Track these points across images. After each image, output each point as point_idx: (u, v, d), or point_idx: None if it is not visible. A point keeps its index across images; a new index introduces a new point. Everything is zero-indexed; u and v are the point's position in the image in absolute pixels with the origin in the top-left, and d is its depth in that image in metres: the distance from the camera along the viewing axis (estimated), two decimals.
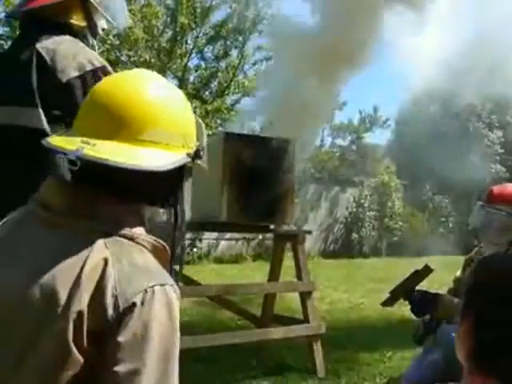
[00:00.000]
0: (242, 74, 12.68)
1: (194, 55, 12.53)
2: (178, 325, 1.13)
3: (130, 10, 10.22)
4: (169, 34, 12.04)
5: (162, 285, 1.12)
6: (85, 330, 1.06)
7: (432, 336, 2.70)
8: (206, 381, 4.07)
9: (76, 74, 2.10)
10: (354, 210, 15.92)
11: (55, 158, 1.16)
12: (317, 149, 16.58)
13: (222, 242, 13.50)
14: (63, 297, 1.07)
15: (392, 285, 2.71)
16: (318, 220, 15.45)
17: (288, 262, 4.81)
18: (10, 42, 10.20)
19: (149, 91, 1.21)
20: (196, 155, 1.24)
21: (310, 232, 5.37)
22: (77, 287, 1.07)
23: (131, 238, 1.16)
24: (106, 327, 1.06)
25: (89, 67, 2.13)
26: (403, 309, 3.48)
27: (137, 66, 10.80)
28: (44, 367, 1.07)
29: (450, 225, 16.94)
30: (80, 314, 1.06)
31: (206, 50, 12.62)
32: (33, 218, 1.19)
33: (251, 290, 5.40)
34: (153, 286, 1.10)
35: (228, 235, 12.90)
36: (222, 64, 12.59)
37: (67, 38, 2.19)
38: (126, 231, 1.16)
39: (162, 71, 10.85)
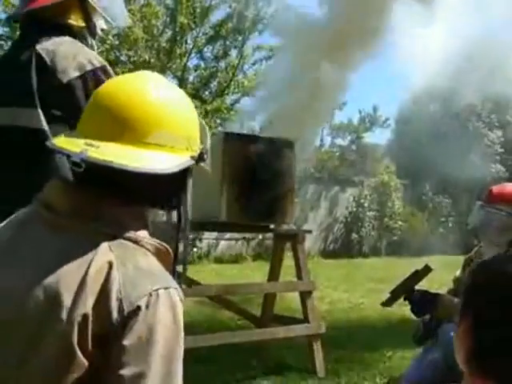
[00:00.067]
0: (241, 74, 12.67)
1: (193, 55, 12.52)
2: (182, 328, 1.13)
3: (129, 10, 10.23)
4: (168, 33, 12.03)
5: (167, 288, 1.12)
6: (89, 333, 1.06)
7: (432, 336, 2.70)
8: (205, 380, 4.06)
9: (76, 74, 2.11)
10: (354, 209, 15.92)
11: (59, 159, 1.16)
12: (316, 149, 16.59)
13: (222, 242, 13.50)
14: (67, 299, 1.06)
15: (392, 285, 2.71)
16: (317, 220, 15.45)
17: (288, 261, 4.80)
18: (10, 42, 10.20)
19: (153, 93, 1.21)
20: (200, 158, 1.24)
21: (309, 232, 5.38)
22: (81, 290, 1.07)
23: (135, 241, 1.16)
24: (111, 330, 1.06)
25: (89, 67, 2.13)
26: (403, 309, 3.48)
27: (136, 66, 10.81)
28: (47, 369, 1.07)
29: (450, 224, 16.93)
30: (85, 317, 1.05)
31: (205, 49, 12.61)
32: (36, 218, 1.19)
33: (251, 289, 5.40)
34: (157, 290, 1.10)
35: (228, 235, 12.89)
36: (222, 64, 12.58)
37: (67, 38, 2.19)
38: (131, 234, 1.16)
39: (162, 71, 10.85)
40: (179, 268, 1.29)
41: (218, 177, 4.09)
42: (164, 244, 1.21)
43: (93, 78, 2.11)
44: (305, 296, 4.49)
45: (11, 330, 1.10)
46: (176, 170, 1.18)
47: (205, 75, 12.59)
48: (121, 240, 1.14)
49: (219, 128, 11.71)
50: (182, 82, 11.69)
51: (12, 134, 2.13)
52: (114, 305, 1.07)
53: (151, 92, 1.20)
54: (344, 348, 5.18)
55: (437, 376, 2.50)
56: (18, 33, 2.53)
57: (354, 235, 15.75)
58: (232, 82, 12.37)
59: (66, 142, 1.16)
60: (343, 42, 4.49)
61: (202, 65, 12.74)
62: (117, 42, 11.30)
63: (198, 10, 11.92)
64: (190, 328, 5.08)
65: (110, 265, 1.09)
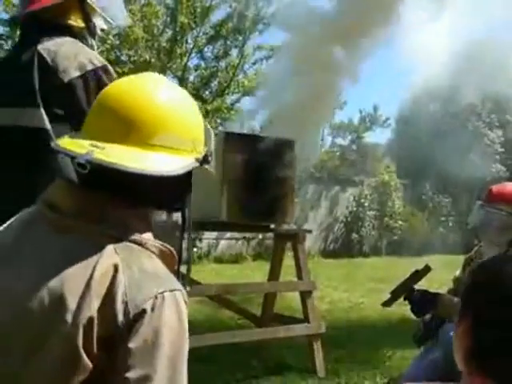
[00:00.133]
0: (241, 74, 12.68)
1: (193, 55, 12.52)
2: (187, 330, 1.14)
3: (129, 10, 10.23)
4: (169, 33, 12.03)
5: (172, 291, 1.12)
6: (94, 335, 1.06)
7: (433, 336, 2.70)
8: (205, 380, 4.06)
9: (77, 73, 2.12)
10: (354, 209, 15.92)
11: (61, 160, 1.16)
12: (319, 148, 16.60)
13: (222, 242, 13.50)
14: (72, 302, 1.06)
15: (392, 284, 2.71)
16: (318, 219, 15.45)
17: (288, 261, 4.80)
18: (10, 42, 10.21)
19: (159, 95, 1.20)
20: (204, 160, 1.24)
21: (310, 231, 5.37)
22: (87, 293, 1.07)
23: (140, 244, 1.16)
24: (117, 333, 1.06)
25: (90, 67, 2.14)
26: (403, 308, 3.48)
27: (137, 66, 10.81)
28: (52, 371, 1.07)
29: (450, 224, 16.93)
30: (90, 319, 1.06)
31: (205, 49, 12.62)
32: (40, 218, 1.19)
33: (251, 289, 5.40)
34: (163, 292, 1.10)
35: (228, 235, 12.90)
36: (222, 63, 12.58)
37: (68, 39, 2.20)
38: (136, 236, 1.16)
39: (162, 71, 10.84)
40: (183, 269, 1.29)
41: (218, 177, 4.09)
42: (168, 246, 1.21)
43: (94, 78, 2.13)
44: (305, 296, 4.50)
45: (16, 330, 1.10)
46: (181, 172, 1.18)
47: (205, 75, 12.59)
48: (126, 242, 1.14)
49: (219, 128, 11.71)
50: (182, 82, 11.68)
51: (12, 133, 2.13)
52: (120, 308, 1.07)
53: (157, 94, 1.20)
54: (344, 348, 5.18)
55: (437, 375, 2.50)
56: (18, 33, 2.54)
57: (355, 235, 15.74)
58: (232, 82, 12.37)
59: (70, 143, 1.16)
60: (353, 33, 4.47)
61: (203, 64, 12.76)
62: (117, 42, 11.31)
63: (199, 10, 11.92)
64: (190, 327, 5.02)
65: (116, 268, 1.10)
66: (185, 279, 1.26)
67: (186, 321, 1.14)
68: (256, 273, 9.42)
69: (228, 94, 12.53)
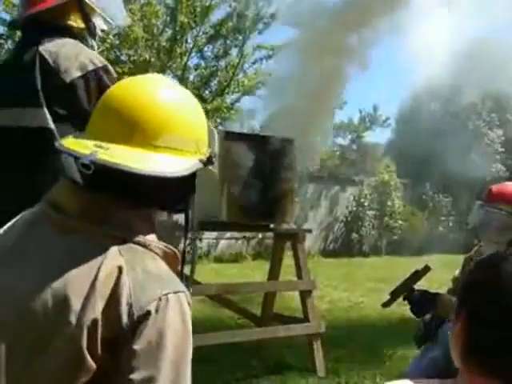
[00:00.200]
0: (241, 73, 12.67)
1: (193, 54, 12.50)
2: (190, 332, 1.15)
3: (129, 9, 10.23)
4: (168, 33, 12.02)
5: (176, 292, 1.12)
6: (99, 337, 1.06)
7: (433, 336, 2.71)
8: (206, 380, 4.06)
9: (79, 74, 2.13)
10: (354, 208, 15.92)
11: (64, 160, 1.16)
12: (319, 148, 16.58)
13: (222, 241, 13.50)
14: (76, 303, 1.07)
15: (392, 284, 2.72)
16: (318, 219, 15.45)
17: (288, 260, 4.81)
18: (10, 42, 10.22)
19: (163, 96, 1.21)
20: (208, 161, 1.24)
21: (309, 231, 5.37)
22: (91, 294, 1.07)
23: (144, 245, 1.16)
24: (121, 335, 1.06)
25: (91, 67, 2.15)
26: (403, 308, 3.47)
27: (136, 66, 10.81)
28: (56, 371, 1.07)
29: (450, 224, 16.94)
30: (94, 321, 1.06)
31: (205, 49, 12.60)
32: (44, 218, 1.19)
33: (251, 288, 5.40)
34: (167, 294, 1.10)
35: (228, 234, 12.90)
36: (222, 63, 12.57)
37: (69, 40, 2.22)
38: (140, 238, 1.16)
39: (162, 70, 10.84)
40: (186, 270, 1.29)
41: (218, 176, 4.09)
42: (171, 247, 1.21)
43: (94, 78, 2.14)
44: (305, 295, 4.50)
45: (19, 331, 1.10)
46: (185, 173, 1.18)
47: (205, 74, 12.58)
48: (130, 244, 1.14)
49: (219, 127, 11.71)
50: (182, 81, 11.67)
51: (12, 134, 2.14)
52: (124, 309, 1.07)
53: (161, 95, 1.20)
54: (344, 347, 5.19)
55: (436, 373, 2.50)
56: (18, 33, 2.54)
57: (354, 234, 15.75)
58: (232, 81, 12.36)
59: (74, 144, 1.16)
60: (363, 21, 4.46)
61: (203, 64, 12.74)
62: (117, 42, 11.30)
63: (199, 9, 11.91)
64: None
65: (120, 269, 1.10)
66: (188, 280, 1.26)
67: (190, 322, 1.15)
68: (256, 272, 9.42)
69: (228, 93, 12.52)
